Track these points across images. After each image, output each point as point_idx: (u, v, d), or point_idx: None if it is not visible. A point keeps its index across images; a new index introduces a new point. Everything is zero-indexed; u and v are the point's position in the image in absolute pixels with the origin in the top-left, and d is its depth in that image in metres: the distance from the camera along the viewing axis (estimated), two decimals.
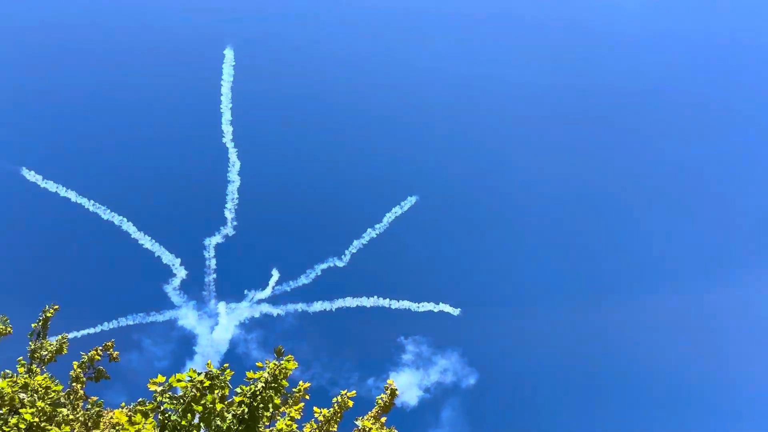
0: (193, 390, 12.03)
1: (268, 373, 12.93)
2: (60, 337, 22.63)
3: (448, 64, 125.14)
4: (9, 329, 21.84)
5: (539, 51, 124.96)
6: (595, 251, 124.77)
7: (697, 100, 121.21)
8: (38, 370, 20.86)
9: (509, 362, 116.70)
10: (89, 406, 20.95)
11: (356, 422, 16.53)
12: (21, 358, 20.84)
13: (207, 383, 12.26)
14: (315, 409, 19.23)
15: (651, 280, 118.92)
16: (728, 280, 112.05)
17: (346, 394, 16.68)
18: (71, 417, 17.23)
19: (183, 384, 12.20)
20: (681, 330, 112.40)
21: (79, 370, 21.82)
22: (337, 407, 16.45)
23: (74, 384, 21.50)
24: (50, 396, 17.69)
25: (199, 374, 12.51)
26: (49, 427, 15.53)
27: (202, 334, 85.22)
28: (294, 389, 19.48)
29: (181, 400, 11.98)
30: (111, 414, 20.73)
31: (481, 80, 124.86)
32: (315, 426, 16.68)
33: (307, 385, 19.14)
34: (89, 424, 18.12)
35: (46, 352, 21.81)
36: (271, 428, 15.34)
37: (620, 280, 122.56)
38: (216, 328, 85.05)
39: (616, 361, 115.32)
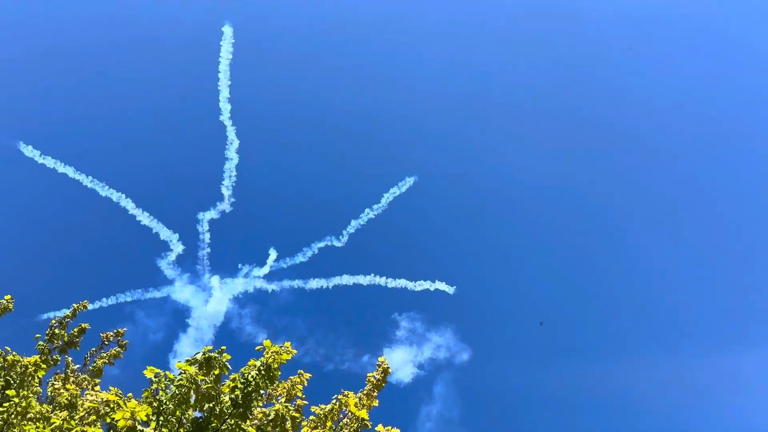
0: (188, 383, 12.34)
1: (261, 363, 13.25)
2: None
3: (448, 46, 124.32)
4: (11, 306, 22.22)
5: (535, 38, 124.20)
6: (591, 227, 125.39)
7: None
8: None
9: (503, 339, 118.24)
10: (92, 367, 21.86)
11: (339, 396, 16.71)
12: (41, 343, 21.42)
13: (200, 377, 12.56)
14: (313, 408, 19.74)
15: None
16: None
17: (345, 393, 16.90)
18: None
19: (178, 379, 12.50)
20: None
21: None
22: (336, 404, 16.74)
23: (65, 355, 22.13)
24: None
25: (193, 363, 12.79)
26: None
27: (195, 307, 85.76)
28: (294, 377, 19.96)
29: (176, 391, 12.31)
30: (96, 390, 21.25)
31: (481, 64, 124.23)
32: (314, 419, 16.99)
33: (308, 376, 19.49)
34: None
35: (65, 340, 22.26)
36: (267, 408, 15.66)
37: (608, 262, 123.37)
38: (210, 301, 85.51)
39: (608, 328, 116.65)
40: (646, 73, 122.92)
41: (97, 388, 20.40)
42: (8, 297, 21.85)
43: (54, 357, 21.34)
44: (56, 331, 22.05)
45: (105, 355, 22.86)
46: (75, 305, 22.61)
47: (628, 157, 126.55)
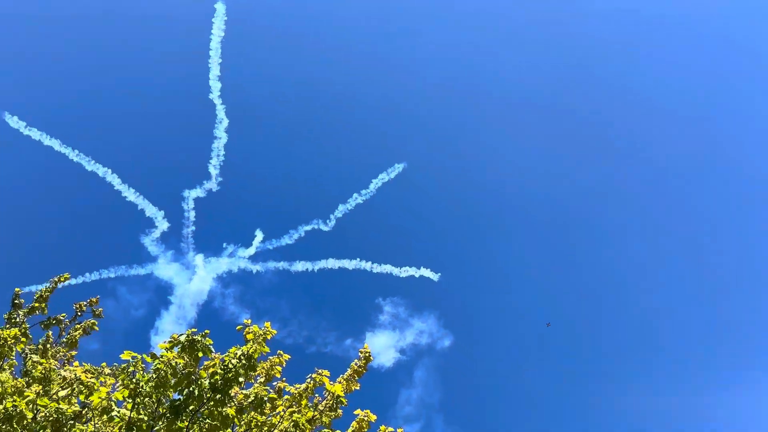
0: (167, 367, 12.31)
1: (243, 352, 13.26)
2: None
3: (443, 35, 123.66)
4: None
5: (525, 27, 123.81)
6: (577, 219, 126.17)
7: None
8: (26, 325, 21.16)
9: (485, 327, 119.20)
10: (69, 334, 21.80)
11: (313, 375, 16.86)
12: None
13: (181, 361, 12.53)
14: (288, 387, 19.92)
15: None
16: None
17: (319, 371, 17.04)
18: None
19: (157, 363, 12.46)
20: None
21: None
22: (310, 383, 16.88)
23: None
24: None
25: (175, 344, 12.74)
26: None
27: (179, 285, 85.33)
28: (273, 357, 20.10)
29: (154, 374, 12.27)
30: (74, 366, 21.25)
31: (473, 54, 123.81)
32: (288, 398, 17.13)
33: (287, 357, 19.61)
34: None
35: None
36: (246, 390, 15.70)
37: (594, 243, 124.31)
38: (193, 279, 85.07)
39: (590, 335, 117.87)
40: (624, 63, 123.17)
41: (76, 363, 20.26)
42: None
43: (24, 330, 21.10)
44: (35, 304, 21.91)
45: (79, 326, 22.64)
46: (55, 278, 22.44)
47: (616, 149, 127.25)
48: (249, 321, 14.09)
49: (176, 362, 12.40)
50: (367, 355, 19.97)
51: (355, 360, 20.11)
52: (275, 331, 15.10)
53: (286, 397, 20.00)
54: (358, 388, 20.07)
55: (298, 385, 18.69)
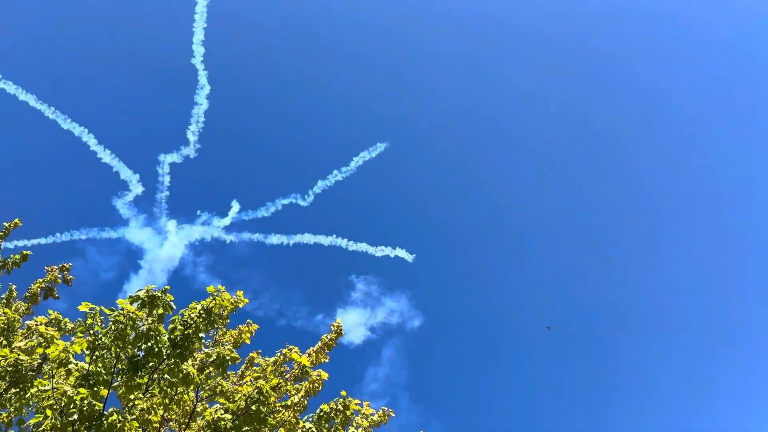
0: (125, 320, 12.11)
1: (202, 306, 13.10)
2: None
3: (436, 13, 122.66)
4: None
5: (516, 14, 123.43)
6: (557, 206, 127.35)
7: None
8: None
9: (455, 309, 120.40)
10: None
11: (283, 350, 17.05)
12: None
13: (140, 314, 12.34)
14: (257, 360, 20.05)
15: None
16: None
17: (289, 346, 17.23)
18: None
19: (115, 314, 12.26)
20: None
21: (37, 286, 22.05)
22: (280, 357, 17.01)
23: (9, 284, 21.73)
24: None
25: (135, 301, 12.55)
26: None
27: (149, 249, 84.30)
28: (242, 326, 20.15)
29: (112, 327, 12.06)
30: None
31: (465, 36, 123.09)
32: (257, 369, 17.29)
33: (255, 327, 19.66)
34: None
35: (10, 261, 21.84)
36: (209, 351, 15.62)
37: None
38: (164, 245, 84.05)
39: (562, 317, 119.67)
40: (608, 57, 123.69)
41: (40, 318, 19.94)
42: None
43: None
44: None
45: (41, 280, 22.27)
46: (6, 223, 21.95)
47: (608, 144, 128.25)
48: (223, 288, 13.92)
49: (135, 315, 12.17)
50: (338, 328, 20.38)
51: (326, 333, 20.35)
52: (247, 300, 15.07)
53: (254, 368, 20.09)
54: (326, 360, 20.42)
55: (267, 358, 18.82)
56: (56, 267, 23.04)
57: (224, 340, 21.35)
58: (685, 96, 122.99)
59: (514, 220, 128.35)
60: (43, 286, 22.21)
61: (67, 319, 17.75)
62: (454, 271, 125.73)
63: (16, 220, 22.47)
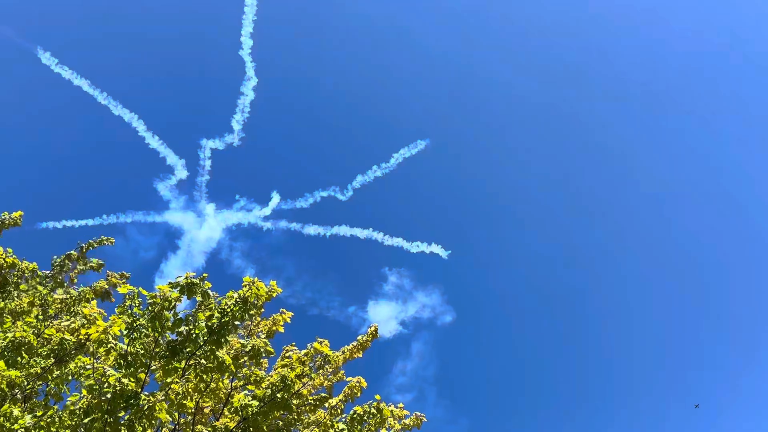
0: (162, 302, 12.45)
1: (239, 295, 13.41)
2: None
3: (481, 15, 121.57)
4: (19, 222, 22.69)
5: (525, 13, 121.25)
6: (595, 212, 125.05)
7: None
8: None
9: (487, 307, 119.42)
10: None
11: (313, 344, 17.30)
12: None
13: (176, 295, 12.65)
14: (287, 350, 20.57)
15: None
16: None
17: (320, 340, 17.51)
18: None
19: (151, 296, 12.61)
20: None
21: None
22: (311, 350, 17.34)
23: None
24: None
25: (174, 287, 12.86)
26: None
27: (188, 231, 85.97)
28: (276, 315, 20.56)
29: (150, 309, 12.39)
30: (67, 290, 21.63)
31: (503, 31, 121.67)
32: (288, 360, 17.70)
33: (290, 314, 19.99)
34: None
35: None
36: (244, 341, 15.90)
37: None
38: (203, 227, 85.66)
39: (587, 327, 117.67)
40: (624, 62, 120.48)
41: (72, 291, 20.60)
42: (18, 213, 22.27)
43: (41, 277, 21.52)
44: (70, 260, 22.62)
45: (104, 283, 22.90)
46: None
47: (631, 145, 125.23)
48: (257, 279, 14.15)
49: (172, 297, 12.50)
50: (374, 331, 21.61)
51: (362, 335, 21.48)
52: (281, 290, 15.16)
53: (286, 359, 20.51)
54: (360, 356, 21.12)
55: (298, 351, 19.23)
56: (117, 274, 23.68)
57: (258, 330, 21.77)
58: (686, 96, 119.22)
59: (556, 222, 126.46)
60: (107, 287, 22.88)
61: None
62: (487, 270, 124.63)
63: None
